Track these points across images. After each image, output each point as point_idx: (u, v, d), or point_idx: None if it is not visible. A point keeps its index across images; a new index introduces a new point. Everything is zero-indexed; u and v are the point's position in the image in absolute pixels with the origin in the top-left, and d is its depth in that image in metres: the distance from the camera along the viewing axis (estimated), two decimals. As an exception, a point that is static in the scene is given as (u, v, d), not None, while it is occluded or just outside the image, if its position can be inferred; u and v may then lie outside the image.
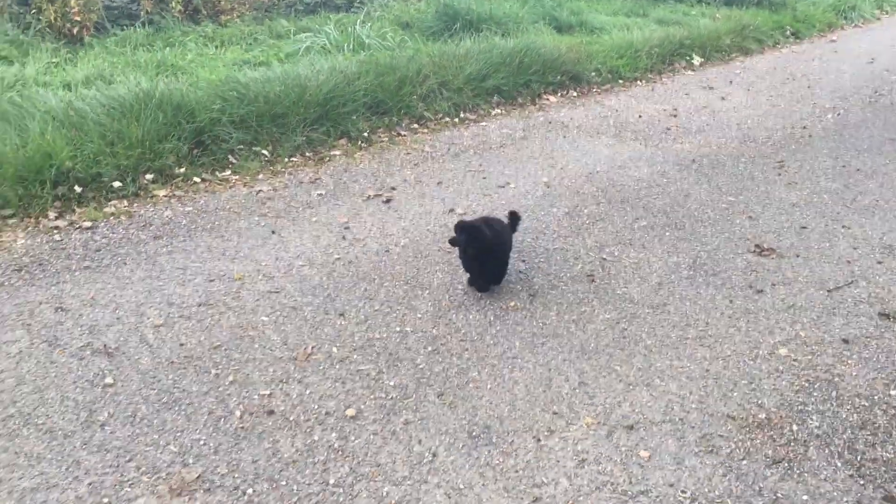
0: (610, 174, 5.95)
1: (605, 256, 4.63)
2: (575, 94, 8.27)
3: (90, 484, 2.82)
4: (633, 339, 3.81)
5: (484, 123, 7.13)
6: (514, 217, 4.40)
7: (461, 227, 4.00)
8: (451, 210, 5.19)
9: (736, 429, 3.20)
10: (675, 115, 7.62)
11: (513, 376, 3.52)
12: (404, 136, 6.65)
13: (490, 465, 2.98)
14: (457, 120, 7.15)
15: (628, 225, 5.06)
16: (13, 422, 3.11)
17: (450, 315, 3.98)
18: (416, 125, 6.89)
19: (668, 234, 4.94)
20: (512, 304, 4.09)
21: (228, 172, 5.62)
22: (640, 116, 7.53)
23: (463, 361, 3.61)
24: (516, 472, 2.96)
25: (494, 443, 3.10)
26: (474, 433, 3.15)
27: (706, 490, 2.88)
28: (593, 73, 8.75)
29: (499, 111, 7.48)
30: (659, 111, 7.76)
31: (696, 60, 10.04)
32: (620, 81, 8.85)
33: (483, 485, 2.89)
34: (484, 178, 5.81)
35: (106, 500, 2.75)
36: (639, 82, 8.94)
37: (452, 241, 4.08)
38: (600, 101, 8.09)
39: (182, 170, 5.47)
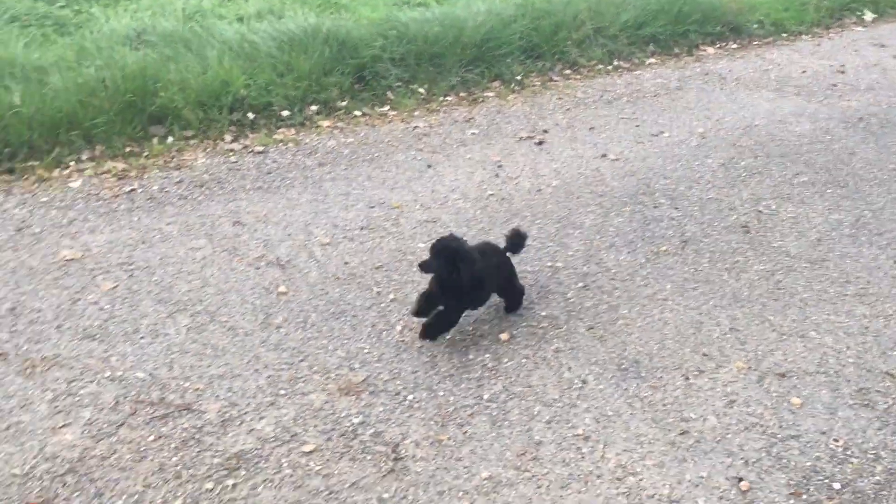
0: (769, 128, 5.77)
1: (761, 209, 4.54)
2: (734, 46, 7.97)
3: (269, 377, 3.11)
4: (788, 291, 3.76)
5: (638, 72, 7.01)
6: (518, 237, 3.59)
7: (437, 249, 3.17)
8: (604, 155, 5.20)
9: (895, 386, 3.13)
10: (842, 72, 7.23)
11: (663, 317, 3.56)
12: (557, 81, 6.65)
13: (638, 397, 3.06)
14: (610, 67, 7.06)
15: (787, 179, 4.92)
16: (200, 318, 3.44)
17: (601, 255, 4.04)
18: (568, 71, 6.87)
19: (829, 191, 4.78)
20: (663, 248, 4.11)
21: (387, 108, 5.83)
22: (803, 71, 7.20)
23: (613, 299, 3.68)
24: (664, 405, 3.03)
25: (643, 377, 3.18)
26: (623, 366, 3.24)
27: (860, 441, 2.86)
28: (755, 26, 8.39)
29: (654, 60, 7.33)
30: (825, 67, 7.38)
31: (868, 16, 9.42)
32: (784, 35, 8.44)
33: (631, 414, 2.98)
34: (637, 125, 5.77)
35: (283, 391, 3.03)
36: (804, 36, 8.50)
37: (423, 266, 3.22)
38: (761, 54, 7.76)
39: (344, 103, 5.73)
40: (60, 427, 2.80)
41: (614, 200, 4.61)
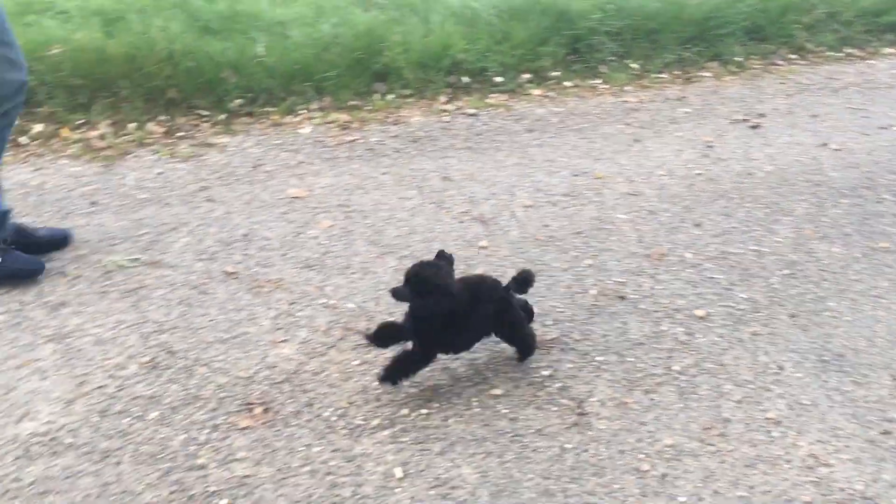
0: None
1: None
2: None
3: (465, 322, 3.27)
4: None
5: (872, 61, 6.54)
6: (524, 278, 2.96)
7: (411, 273, 2.71)
8: (824, 144, 4.94)
9: None
10: None
11: (875, 314, 3.38)
12: (780, 65, 6.35)
13: (839, 391, 2.94)
14: (840, 55, 6.63)
15: None
16: (406, 261, 3.63)
17: (811, 244, 3.87)
18: (793, 55, 6.53)
19: None
20: (883, 245, 3.87)
21: (598, 81, 5.83)
22: None
23: (821, 290, 3.53)
24: (867, 403, 2.89)
25: (846, 371, 3.04)
26: (825, 358, 3.11)
27: None
28: None
29: (892, 50, 6.79)
30: None
31: None
32: None
33: (829, 406, 2.87)
34: (865, 117, 5.41)
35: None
36: None
37: (396, 294, 2.73)
38: None
39: (556, 73, 5.80)
40: (280, 342, 3.12)
41: (832, 191, 4.38)
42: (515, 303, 2.98)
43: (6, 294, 3.32)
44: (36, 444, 2.60)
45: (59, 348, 3.03)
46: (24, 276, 3.42)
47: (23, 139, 4.51)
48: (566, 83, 5.75)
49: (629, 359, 3.10)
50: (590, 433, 2.74)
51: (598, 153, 4.78)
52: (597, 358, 3.10)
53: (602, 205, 4.20)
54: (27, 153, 4.43)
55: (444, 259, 2.80)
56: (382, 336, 2.86)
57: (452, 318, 2.76)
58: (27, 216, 3.80)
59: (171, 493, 2.44)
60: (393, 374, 2.81)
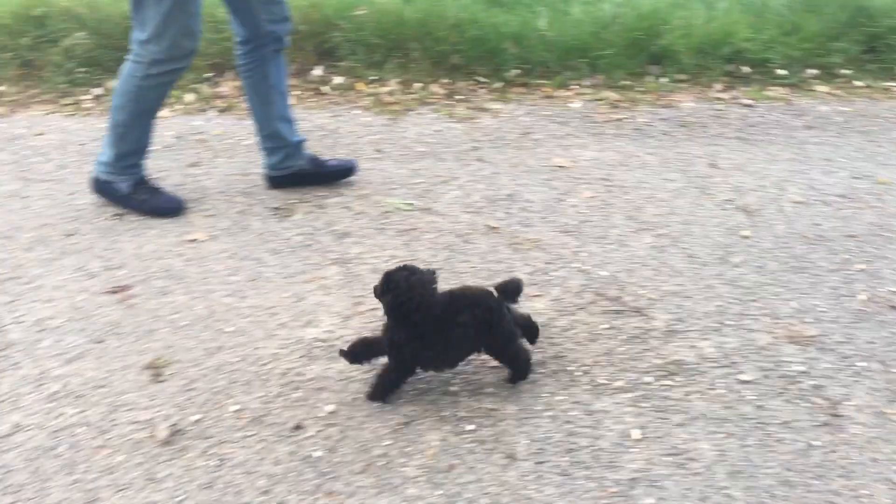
0: None
1: None
2: None
3: (718, 306, 3.23)
4: None
5: None
6: (510, 288, 2.72)
7: (385, 276, 2.58)
8: None
9: None
10: None
11: None
12: None
13: None
14: None
15: None
16: (663, 240, 3.68)
17: None
18: None
19: None
20: None
21: (895, 83, 5.40)
22: None
23: None
24: None
25: None
26: None
27: None
28: None
29: None
30: None
31: None
32: None
33: None
34: None
35: (728, 322, 3.13)
36: None
37: (376, 291, 2.62)
38: None
39: (847, 71, 5.44)
40: (533, 295, 3.27)
41: None
42: (508, 316, 2.72)
43: (302, 219, 3.78)
44: (317, 348, 2.96)
45: (341, 270, 3.41)
46: (163, 213, 3.69)
47: (325, 88, 5.06)
48: (857, 82, 5.38)
49: (895, 370, 2.92)
50: (841, 435, 2.63)
51: (884, 158, 4.46)
52: (858, 363, 2.94)
53: (883, 211, 3.93)
54: (327, 101, 4.96)
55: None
56: (354, 352, 2.76)
57: (424, 332, 2.60)
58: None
59: (426, 410, 2.69)
60: (378, 392, 2.71)
